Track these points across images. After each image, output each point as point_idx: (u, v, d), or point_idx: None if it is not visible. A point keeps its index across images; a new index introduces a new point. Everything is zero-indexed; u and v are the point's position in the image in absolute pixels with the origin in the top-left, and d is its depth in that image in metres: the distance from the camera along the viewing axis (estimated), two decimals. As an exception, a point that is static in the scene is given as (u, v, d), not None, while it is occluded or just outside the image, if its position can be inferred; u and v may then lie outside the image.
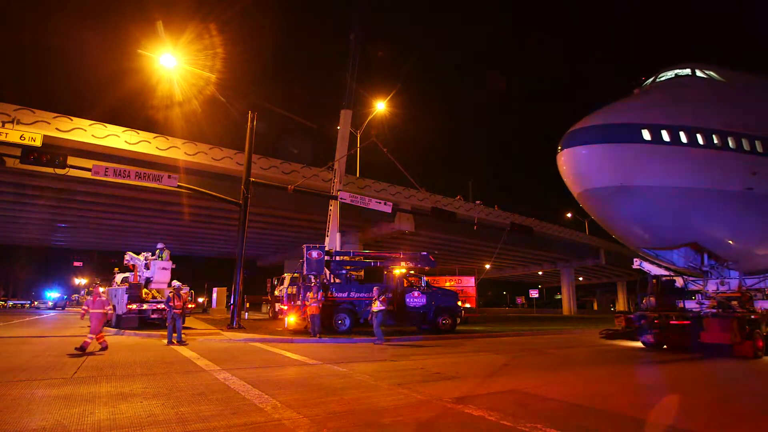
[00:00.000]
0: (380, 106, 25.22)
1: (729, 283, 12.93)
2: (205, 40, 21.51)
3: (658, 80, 14.36)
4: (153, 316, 16.55)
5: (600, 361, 11.08)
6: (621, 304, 78.90)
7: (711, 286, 13.20)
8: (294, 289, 18.24)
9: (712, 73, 14.02)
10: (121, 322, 16.37)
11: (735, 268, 13.10)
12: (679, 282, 14.14)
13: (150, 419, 4.85)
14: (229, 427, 4.62)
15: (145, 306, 16.51)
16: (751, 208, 12.25)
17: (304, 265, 15.79)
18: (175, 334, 12.46)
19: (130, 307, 16.20)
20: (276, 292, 26.03)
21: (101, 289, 12.67)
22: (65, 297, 54.94)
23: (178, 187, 17.50)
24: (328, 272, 16.59)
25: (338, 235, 22.37)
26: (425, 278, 17.30)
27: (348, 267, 17.10)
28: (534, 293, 58.29)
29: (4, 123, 20.14)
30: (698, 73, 14.02)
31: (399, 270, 17.07)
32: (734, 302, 12.57)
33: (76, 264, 59.45)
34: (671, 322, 12.11)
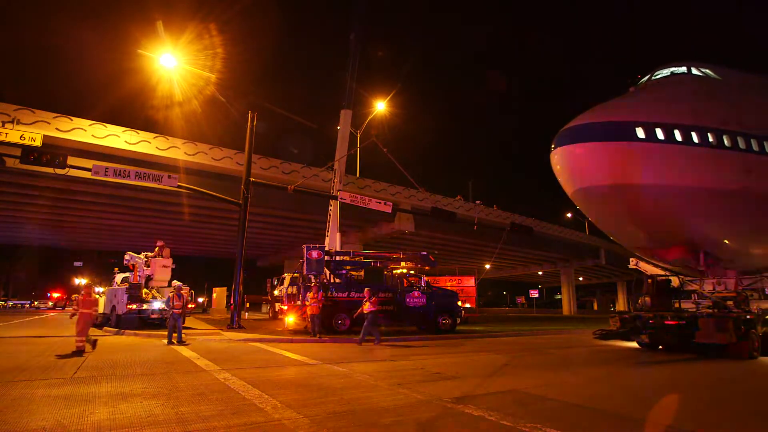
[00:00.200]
0: (380, 106, 25.24)
1: (725, 283, 12.86)
2: (205, 40, 21.53)
3: (653, 78, 14.23)
4: (153, 316, 16.56)
5: (599, 361, 11.09)
6: (621, 304, 78.89)
7: (707, 286, 13.12)
8: (294, 289, 18.25)
9: (708, 71, 13.91)
10: (121, 322, 16.38)
11: (731, 268, 13.00)
12: (675, 282, 14.02)
13: (150, 419, 4.85)
14: (229, 427, 4.62)
15: (145, 306, 16.52)
16: (747, 206, 12.14)
17: (304, 265, 15.79)
18: (175, 334, 12.46)
19: (130, 307, 16.20)
20: (276, 292, 26.03)
21: (101, 289, 12.66)
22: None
23: (178, 187, 17.51)
24: (328, 272, 16.59)
25: (338, 235, 22.38)
26: (425, 278, 17.29)
27: (348, 267, 17.10)
28: (534, 293, 58.39)
29: (4, 123, 20.15)
30: (694, 71, 13.90)
31: (399, 270, 17.07)
32: (730, 302, 12.49)
33: (76, 264, 59.46)
34: (666, 322, 12.00)
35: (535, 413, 5.31)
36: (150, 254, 18.15)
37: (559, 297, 77.15)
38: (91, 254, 60.19)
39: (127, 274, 18.82)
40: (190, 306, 17.00)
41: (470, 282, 24.50)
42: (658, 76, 14.16)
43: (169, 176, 16.67)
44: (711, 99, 13.07)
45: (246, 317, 24.38)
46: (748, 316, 11.68)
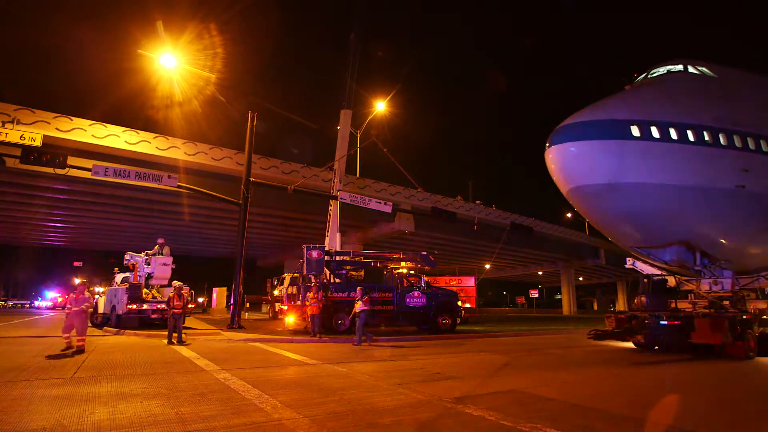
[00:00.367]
0: (380, 106, 25.25)
1: (722, 283, 12.69)
2: (205, 40, 21.52)
3: (649, 76, 14.11)
4: (153, 316, 16.55)
5: (598, 361, 11.08)
6: (621, 304, 78.88)
7: (704, 286, 12.96)
8: (294, 289, 18.25)
9: (704, 69, 13.78)
10: (121, 322, 16.38)
11: (728, 267, 12.86)
12: (672, 281, 13.87)
13: (150, 419, 4.85)
14: (229, 427, 4.62)
15: (145, 306, 16.51)
16: (743, 205, 12.01)
17: (304, 265, 15.79)
18: (175, 334, 12.46)
19: (130, 307, 16.20)
20: (276, 292, 26.02)
21: (101, 289, 12.65)
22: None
23: (178, 187, 17.51)
24: (328, 272, 16.60)
25: (338, 235, 22.40)
26: (425, 278, 17.30)
27: (348, 267, 17.11)
28: (534, 293, 58.32)
29: (4, 123, 20.14)
30: (690, 69, 13.78)
31: (399, 270, 17.07)
32: (726, 302, 12.37)
33: (76, 264, 59.40)
34: (662, 322, 11.90)
35: (535, 413, 5.31)
36: (150, 252, 18.15)
37: (559, 297, 77.14)
38: (91, 254, 60.13)
39: (127, 274, 18.82)
40: (190, 306, 16.98)
41: (470, 282, 24.49)
42: (654, 75, 14.04)
43: (169, 176, 16.67)
44: (707, 97, 12.95)
45: (246, 317, 24.38)
46: (744, 317, 11.58)
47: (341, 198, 19.94)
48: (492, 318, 33.68)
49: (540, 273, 70.78)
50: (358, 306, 12.91)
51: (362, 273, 17.35)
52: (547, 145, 12.43)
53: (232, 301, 17.88)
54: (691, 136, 11.58)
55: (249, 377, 7.42)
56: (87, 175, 16.18)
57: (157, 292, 17.65)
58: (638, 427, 5.09)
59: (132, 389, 6.38)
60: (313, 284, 15.36)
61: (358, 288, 13.47)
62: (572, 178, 12.31)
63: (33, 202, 28.39)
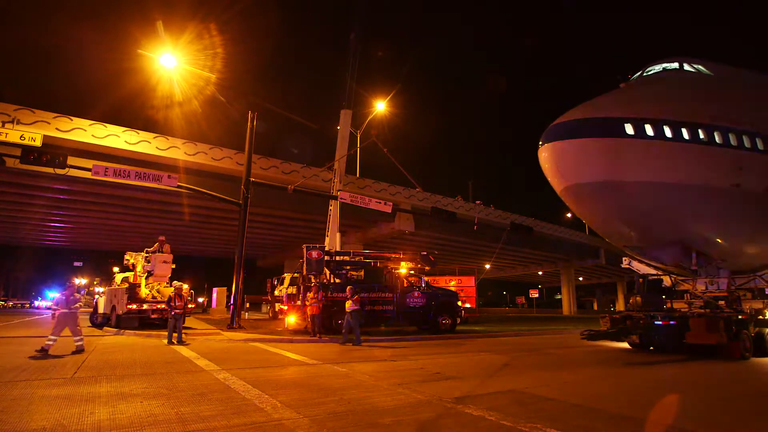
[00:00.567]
0: (380, 106, 25.25)
1: (718, 283, 12.60)
2: (205, 40, 21.52)
3: (645, 74, 13.97)
4: (153, 316, 16.55)
5: (598, 361, 11.07)
6: (621, 304, 78.83)
7: (700, 286, 12.86)
8: (294, 289, 18.25)
9: (700, 66, 13.64)
10: (121, 322, 16.37)
11: (724, 267, 12.75)
12: (667, 281, 13.77)
13: (150, 419, 4.85)
14: (230, 427, 4.62)
15: (145, 306, 16.51)
16: (738, 204, 11.87)
17: (304, 265, 15.79)
18: (175, 334, 12.46)
19: (130, 307, 16.19)
20: (276, 292, 26.03)
21: (101, 289, 12.62)
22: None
23: (178, 187, 17.50)
24: (328, 272, 16.59)
25: (338, 235, 22.40)
26: (425, 278, 17.29)
27: (348, 267, 17.10)
28: (534, 293, 58.33)
29: (4, 123, 20.15)
30: (686, 66, 13.63)
31: (399, 270, 17.07)
32: (722, 302, 12.27)
33: (76, 264, 59.47)
34: (657, 322, 11.78)
35: (535, 413, 5.31)
36: (150, 249, 18.16)
37: (559, 297, 77.16)
38: (91, 254, 60.18)
39: (127, 274, 18.82)
40: (190, 306, 16.99)
41: (470, 282, 24.49)
42: (649, 72, 13.88)
43: (169, 176, 16.66)
44: (702, 95, 12.82)
45: (246, 317, 24.38)
46: (740, 316, 11.47)
47: (341, 198, 19.94)
48: (492, 318, 33.68)
49: (540, 273, 70.80)
50: (349, 305, 12.81)
51: (362, 273, 17.35)
52: (541, 143, 12.28)
53: (232, 301, 17.88)
54: (685, 134, 11.42)
55: (249, 377, 7.42)
56: (87, 175, 16.17)
57: (157, 292, 17.64)
58: (638, 427, 5.09)
59: (132, 389, 6.38)
60: (313, 284, 15.35)
61: (348, 287, 13.38)
62: (566, 177, 12.16)
63: (33, 202, 28.39)
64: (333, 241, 21.65)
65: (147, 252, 18.05)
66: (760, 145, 12.00)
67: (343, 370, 8.37)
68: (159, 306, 16.54)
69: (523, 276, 77.96)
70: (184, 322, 13.44)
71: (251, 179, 18.23)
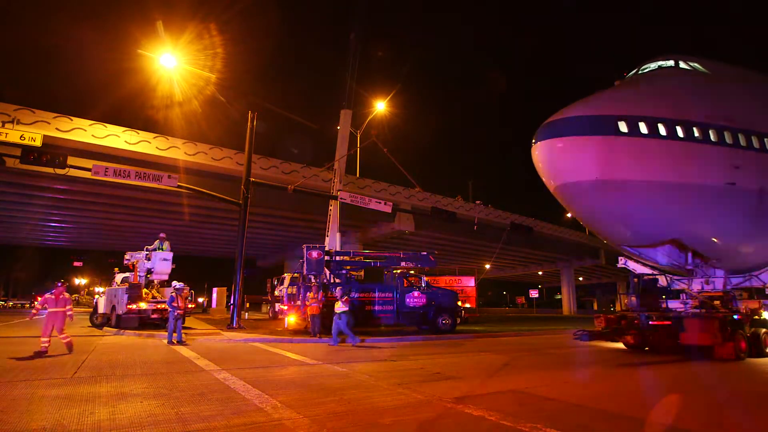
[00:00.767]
0: (380, 106, 25.26)
1: (714, 282, 12.46)
2: (205, 40, 21.52)
3: (640, 72, 13.77)
4: (153, 316, 16.55)
5: (597, 361, 11.08)
6: (621, 304, 78.80)
7: (696, 285, 12.73)
8: (294, 289, 18.25)
9: (696, 64, 13.47)
10: (121, 322, 16.37)
11: (720, 267, 12.61)
12: (663, 281, 13.62)
13: (150, 419, 4.85)
14: (229, 427, 4.62)
15: (145, 306, 16.50)
16: (734, 203, 11.69)
17: (304, 265, 15.79)
18: (175, 334, 12.47)
19: (130, 307, 16.19)
20: (276, 292, 26.04)
21: (101, 289, 12.59)
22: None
23: (178, 187, 17.51)
24: (328, 272, 16.60)
25: (338, 235, 22.39)
26: (425, 278, 17.30)
27: (348, 267, 17.10)
28: (534, 293, 58.33)
29: (4, 123, 20.14)
30: (682, 64, 13.45)
31: (399, 270, 17.08)
32: (717, 302, 12.14)
33: (76, 264, 59.43)
34: (652, 322, 11.63)
35: (535, 413, 5.31)
36: (150, 247, 18.16)
37: (559, 297, 77.13)
38: (91, 254, 60.16)
39: (127, 274, 18.82)
40: (190, 306, 16.97)
41: (470, 282, 24.52)
42: (644, 70, 13.68)
43: (169, 176, 16.68)
44: (698, 93, 12.66)
45: (246, 317, 24.38)
46: (735, 317, 11.32)
47: (341, 198, 19.94)
48: (492, 318, 33.68)
49: (540, 273, 70.79)
50: (338, 306, 12.73)
51: (362, 273, 17.36)
52: (534, 141, 12.12)
53: (232, 301, 17.89)
54: (680, 132, 11.27)
55: (249, 377, 7.42)
56: (87, 175, 16.17)
57: (157, 292, 17.64)
58: (638, 427, 5.09)
59: (132, 389, 6.38)
60: (313, 284, 15.35)
61: (338, 288, 13.27)
62: (559, 175, 12.02)
63: (33, 202, 28.38)
64: (333, 241, 21.66)
65: (147, 249, 18.05)
66: (755, 143, 11.86)
67: (343, 370, 8.37)
68: (159, 306, 16.54)
69: (523, 276, 77.92)
70: (184, 322, 13.45)
71: (251, 179, 18.24)
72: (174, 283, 14.70)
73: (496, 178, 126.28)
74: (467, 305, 22.57)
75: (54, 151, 16.08)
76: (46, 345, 9.86)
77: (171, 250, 18.55)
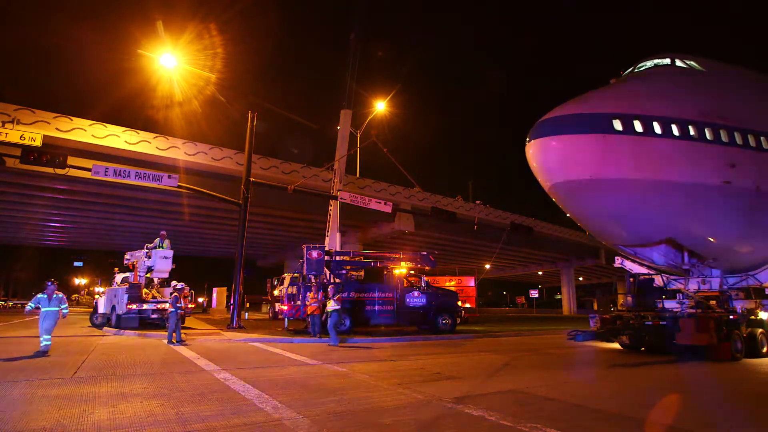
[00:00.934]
0: (380, 106, 25.25)
1: (710, 282, 12.31)
2: (205, 40, 21.53)
3: (636, 70, 13.64)
4: (153, 316, 16.54)
5: (597, 361, 11.10)
6: (620, 305, 78.65)
7: (692, 285, 12.58)
8: (294, 289, 18.25)
9: (692, 62, 13.33)
10: (121, 322, 16.37)
11: (716, 266, 12.48)
12: (659, 281, 13.49)
13: (150, 419, 4.86)
14: (230, 427, 4.62)
15: (145, 306, 16.50)
16: (730, 202, 11.55)
17: (304, 265, 15.78)
18: (175, 334, 12.47)
19: (130, 307, 16.19)
20: (276, 292, 26.04)
21: (101, 289, 12.59)
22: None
23: (178, 187, 17.51)
24: (328, 272, 16.59)
25: (338, 235, 22.40)
26: (425, 278, 17.29)
27: (348, 267, 17.10)
28: (534, 293, 58.34)
29: (4, 123, 20.14)
30: (678, 62, 13.31)
31: (399, 270, 17.07)
32: (713, 302, 12.06)
33: (76, 264, 59.45)
34: (647, 323, 11.52)
35: (535, 413, 5.31)
36: (150, 245, 18.17)
37: (559, 297, 77.09)
38: (91, 254, 60.17)
39: (127, 274, 18.82)
40: (190, 306, 16.97)
41: (470, 282, 24.52)
42: (641, 68, 13.55)
43: (169, 176, 16.68)
44: (693, 91, 12.53)
45: (246, 317, 24.39)
46: (731, 317, 11.26)
47: (341, 198, 19.94)
48: (492, 318, 33.67)
49: (540, 273, 70.76)
50: (330, 305, 12.66)
51: (362, 273, 17.35)
52: (528, 139, 11.96)
53: (232, 301, 17.88)
54: (675, 131, 11.14)
55: (249, 377, 7.42)
56: (87, 175, 16.17)
57: (157, 292, 17.64)
58: (638, 427, 5.09)
59: (132, 389, 6.39)
60: (313, 284, 15.35)
61: (330, 287, 13.16)
62: (553, 174, 11.85)
63: (33, 202, 28.37)
64: (333, 241, 21.66)
65: (147, 248, 18.05)
66: (752, 142, 11.75)
67: (343, 370, 8.37)
68: (159, 306, 16.54)
69: (523, 276, 77.90)
70: (183, 322, 13.46)
71: (251, 179, 18.24)
72: (173, 282, 14.71)
73: (496, 178, 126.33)
74: (467, 305, 22.57)
75: (54, 151, 16.06)
76: (47, 344, 9.90)
77: (171, 248, 18.54)
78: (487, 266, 54.37)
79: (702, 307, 12.02)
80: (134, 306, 16.25)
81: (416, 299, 16.39)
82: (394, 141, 65.69)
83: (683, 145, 11.24)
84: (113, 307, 17.56)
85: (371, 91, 33.13)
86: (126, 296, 16.32)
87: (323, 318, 13.73)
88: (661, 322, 11.34)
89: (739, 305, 12.48)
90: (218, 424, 4.68)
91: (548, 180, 12.04)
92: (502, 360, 10.47)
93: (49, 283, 10.19)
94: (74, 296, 58.64)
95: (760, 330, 11.65)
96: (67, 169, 15.64)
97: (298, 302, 16.04)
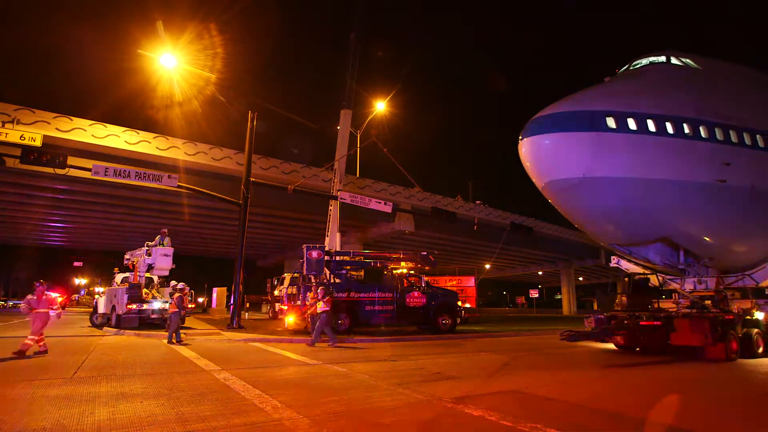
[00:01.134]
0: (380, 106, 25.24)
1: (706, 282, 12.22)
2: (205, 40, 21.52)
3: (631, 68, 13.54)
4: (153, 316, 16.54)
5: (596, 361, 11.08)
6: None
7: (688, 285, 12.50)
8: (294, 289, 18.25)
9: (688, 60, 13.21)
10: (121, 322, 16.37)
11: (712, 266, 12.37)
12: (654, 280, 13.40)
13: (150, 419, 4.86)
14: (229, 427, 4.62)
15: (144, 306, 16.50)
16: (724, 200, 11.43)
17: (304, 265, 15.79)
18: (175, 334, 12.47)
19: (130, 307, 16.19)
20: (276, 292, 26.04)
21: (101, 289, 12.59)
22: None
23: (178, 187, 17.50)
24: (328, 272, 16.59)
25: (338, 235, 22.40)
26: (425, 278, 17.28)
27: (348, 267, 17.10)
28: (534, 293, 58.29)
29: (4, 123, 20.14)
30: (673, 60, 13.17)
31: (399, 270, 17.07)
32: (708, 302, 11.96)
33: (76, 264, 59.39)
34: (642, 323, 11.38)
35: (535, 413, 5.31)
36: (150, 243, 18.17)
37: (559, 297, 77.07)
38: (91, 254, 60.11)
39: (127, 274, 18.82)
40: (190, 306, 16.96)
41: (470, 282, 24.52)
42: (636, 66, 13.44)
43: (169, 176, 16.67)
44: (688, 89, 12.41)
45: (246, 317, 24.37)
46: (727, 317, 11.10)
47: (341, 198, 19.94)
48: (492, 318, 33.66)
49: (540, 273, 70.77)
50: (320, 306, 12.51)
51: (362, 273, 17.35)
52: (520, 137, 11.80)
53: (232, 301, 17.88)
54: (669, 128, 11.04)
55: (249, 377, 7.42)
56: (87, 175, 16.16)
57: (157, 292, 17.64)
58: (638, 427, 5.09)
59: (132, 389, 6.39)
60: (313, 284, 15.35)
61: (321, 288, 13.02)
62: (546, 172, 11.72)
63: (33, 202, 28.38)
64: (333, 241, 21.66)
65: (147, 245, 18.05)
66: (747, 140, 11.64)
67: (343, 370, 8.37)
68: (165, 306, 16.51)
69: (523, 276, 77.91)
70: (183, 322, 13.46)
71: (251, 179, 18.23)
72: (173, 282, 14.70)
73: (496, 178, 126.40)
74: (467, 305, 22.57)
75: (54, 151, 16.06)
76: (44, 345, 9.94)
77: (172, 246, 18.54)
78: (487, 266, 54.43)
79: (697, 307, 11.93)
80: (134, 306, 16.25)
81: (416, 299, 16.39)
82: (394, 141, 65.74)
83: (678, 143, 11.13)
84: (113, 307, 17.57)
85: (371, 91, 33.15)
86: (126, 296, 16.32)
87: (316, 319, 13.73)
88: (655, 323, 11.22)
89: (734, 305, 12.35)
90: (218, 424, 4.68)
91: (541, 179, 11.93)
92: (502, 360, 10.47)
93: (38, 284, 10.14)
94: (74, 296, 58.60)
95: (756, 330, 11.54)
96: (67, 169, 15.63)
97: (298, 302, 16.03)
